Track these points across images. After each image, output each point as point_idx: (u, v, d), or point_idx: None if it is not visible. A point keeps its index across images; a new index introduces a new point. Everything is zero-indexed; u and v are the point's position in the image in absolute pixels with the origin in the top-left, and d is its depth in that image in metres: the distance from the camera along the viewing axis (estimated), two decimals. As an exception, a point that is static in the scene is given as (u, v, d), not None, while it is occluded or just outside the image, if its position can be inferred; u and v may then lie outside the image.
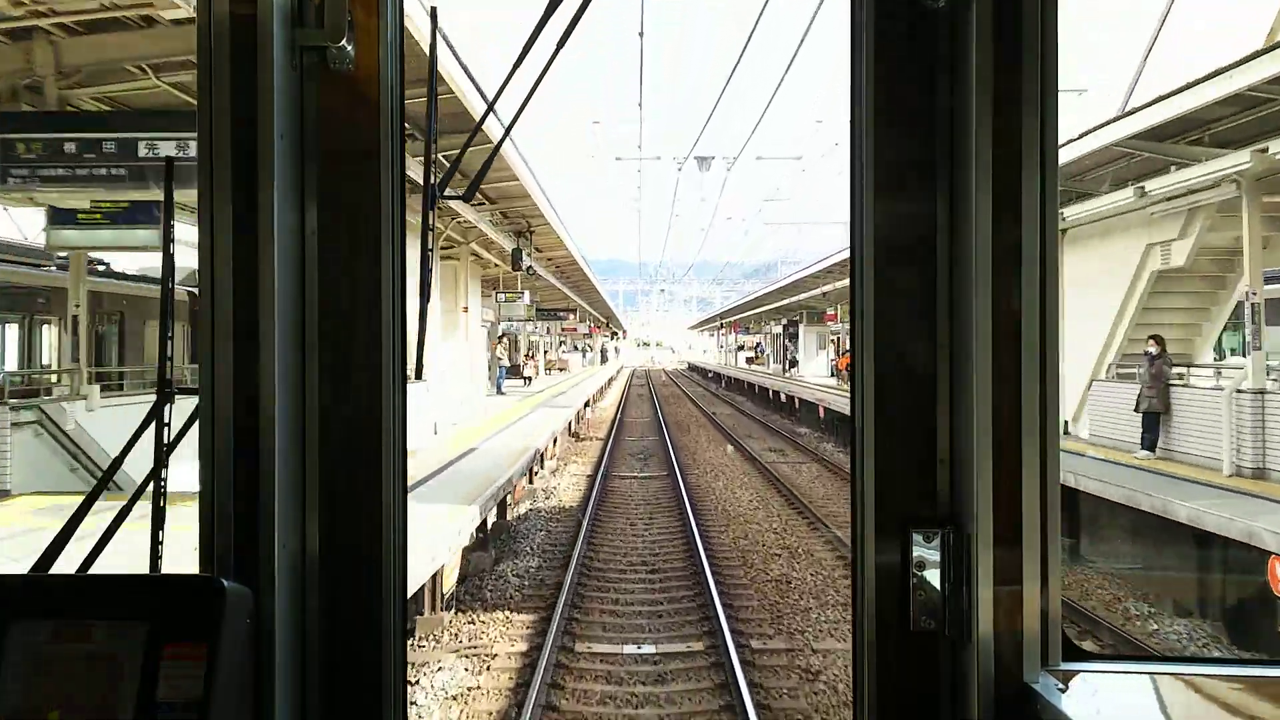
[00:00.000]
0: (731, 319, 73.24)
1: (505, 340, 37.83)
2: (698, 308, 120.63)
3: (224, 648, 1.14)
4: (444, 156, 11.19)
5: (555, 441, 20.81)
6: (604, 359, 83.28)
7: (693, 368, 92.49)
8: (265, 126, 1.27)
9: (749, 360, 65.71)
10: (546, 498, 16.27)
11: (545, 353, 49.38)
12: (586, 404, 32.72)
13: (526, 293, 32.82)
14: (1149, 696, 1.35)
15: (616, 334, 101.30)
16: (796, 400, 31.98)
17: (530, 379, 38.25)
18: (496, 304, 31.68)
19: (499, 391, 31.75)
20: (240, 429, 1.27)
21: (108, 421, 12.85)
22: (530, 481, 16.60)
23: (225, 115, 1.27)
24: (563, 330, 55.58)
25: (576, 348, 71.23)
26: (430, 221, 1.52)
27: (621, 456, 22.29)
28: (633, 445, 24.70)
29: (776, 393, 36.47)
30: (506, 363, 35.87)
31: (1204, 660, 3.47)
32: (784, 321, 52.19)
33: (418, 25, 8.03)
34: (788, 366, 49.43)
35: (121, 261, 21.01)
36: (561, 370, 51.64)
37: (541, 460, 18.36)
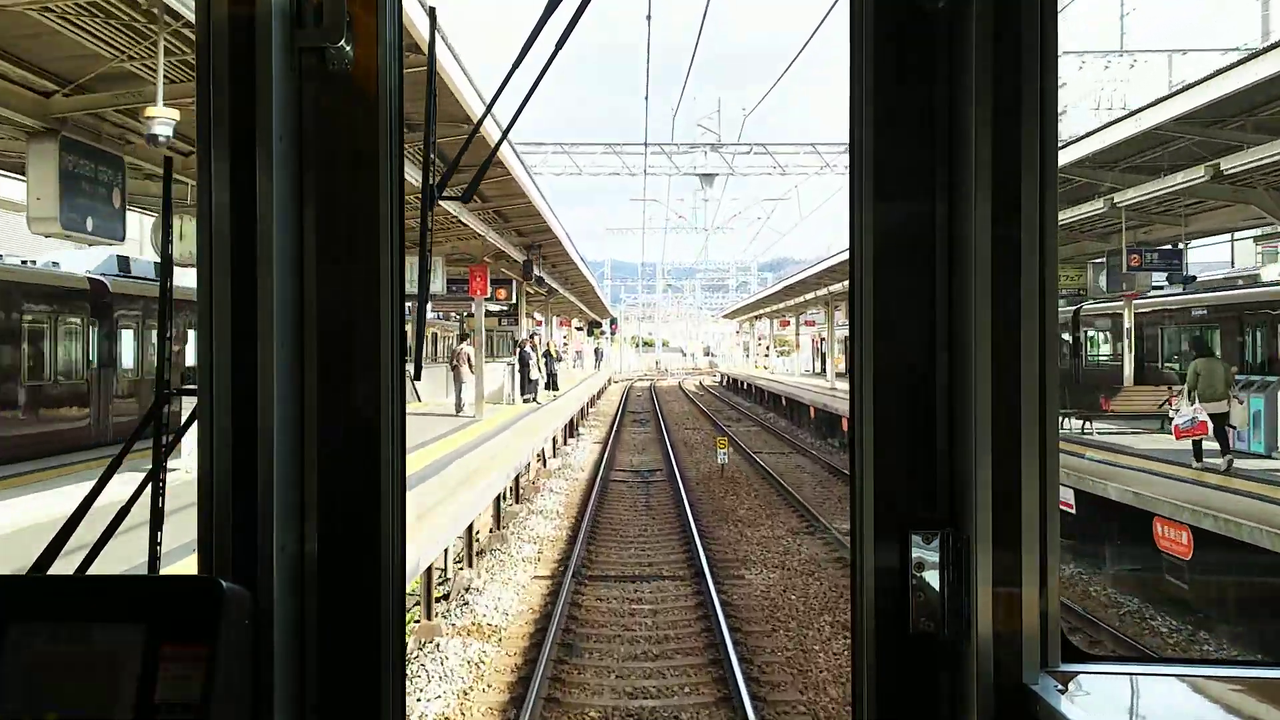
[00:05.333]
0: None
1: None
2: (738, 292, 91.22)
3: (223, 649, 1.14)
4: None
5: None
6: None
7: (735, 385, 51.25)
8: (264, 127, 1.27)
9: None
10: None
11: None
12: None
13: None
14: (1149, 698, 1.35)
15: (600, 326, 66.24)
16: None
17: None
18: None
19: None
20: (239, 430, 1.27)
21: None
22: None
23: (224, 116, 1.27)
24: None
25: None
26: (429, 222, 1.52)
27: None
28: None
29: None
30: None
31: (1204, 662, 3.48)
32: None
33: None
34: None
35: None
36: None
37: None
